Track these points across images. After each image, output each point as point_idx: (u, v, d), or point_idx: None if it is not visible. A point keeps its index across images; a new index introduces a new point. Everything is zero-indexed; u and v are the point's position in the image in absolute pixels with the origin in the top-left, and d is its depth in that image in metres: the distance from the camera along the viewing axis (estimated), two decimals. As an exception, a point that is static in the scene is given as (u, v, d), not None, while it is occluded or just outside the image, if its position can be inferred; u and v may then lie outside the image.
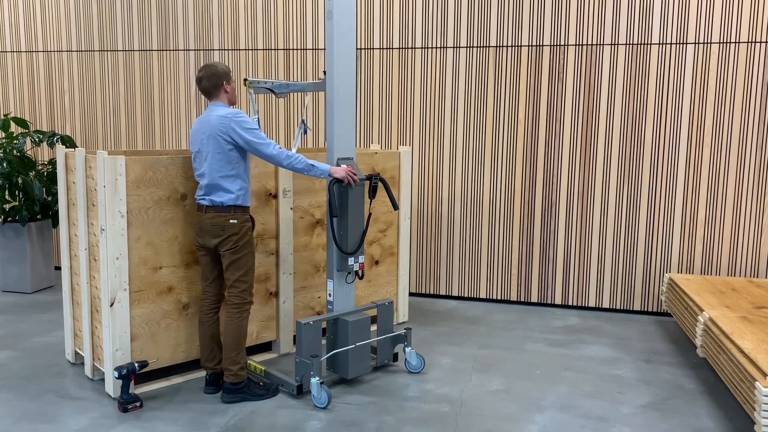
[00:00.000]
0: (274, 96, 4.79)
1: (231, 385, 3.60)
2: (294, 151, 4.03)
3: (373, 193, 3.93)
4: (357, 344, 3.81)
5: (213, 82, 3.57)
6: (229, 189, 3.52)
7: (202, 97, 5.98)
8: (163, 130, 6.13)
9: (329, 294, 3.93)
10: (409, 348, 4.04)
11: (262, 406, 3.56)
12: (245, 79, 4.05)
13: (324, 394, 3.53)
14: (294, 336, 4.40)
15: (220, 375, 3.75)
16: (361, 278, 3.98)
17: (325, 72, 3.88)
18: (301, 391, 3.66)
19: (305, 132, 4.21)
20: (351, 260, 3.88)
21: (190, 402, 3.61)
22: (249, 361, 3.96)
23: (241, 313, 3.61)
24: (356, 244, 3.89)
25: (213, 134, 3.49)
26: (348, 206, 3.81)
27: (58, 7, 6.19)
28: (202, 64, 3.50)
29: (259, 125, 3.83)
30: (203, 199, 3.56)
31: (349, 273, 3.93)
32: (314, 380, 3.56)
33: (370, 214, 4.00)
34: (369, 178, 3.91)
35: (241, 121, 3.50)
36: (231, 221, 3.53)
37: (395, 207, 3.98)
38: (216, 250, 3.60)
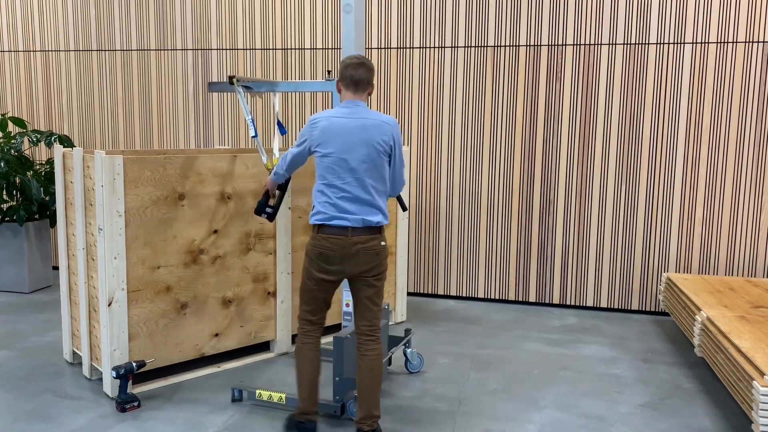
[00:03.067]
0: (252, 95, 4.59)
1: None
2: (276, 154, 3.87)
3: None
4: (390, 352, 3.77)
5: (371, 76, 3.08)
6: (382, 208, 3.06)
7: (201, 96, 5.98)
8: (161, 130, 6.12)
9: (347, 304, 3.83)
10: (410, 349, 4.04)
11: (259, 407, 3.55)
12: (231, 77, 3.84)
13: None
14: (293, 336, 4.40)
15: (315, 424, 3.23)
16: None
17: (329, 71, 3.84)
18: (344, 411, 3.42)
19: (283, 133, 4.01)
20: None
21: (188, 401, 3.61)
22: (261, 391, 3.54)
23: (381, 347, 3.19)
24: None
25: (374, 142, 3.00)
26: None
27: (56, 7, 6.18)
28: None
29: (254, 127, 3.77)
30: (345, 218, 2.99)
31: None
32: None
33: None
34: None
35: (400, 133, 3.10)
36: (383, 243, 3.08)
37: (404, 208, 3.89)
38: (350, 278, 3.09)
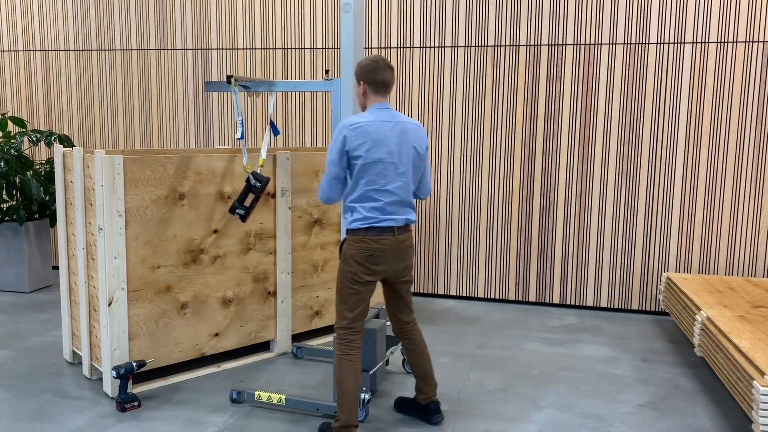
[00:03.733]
0: (250, 95, 4.56)
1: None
2: (263, 155, 3.86)
3: None
4: (389, 352, 3.78)
5: (393, 79, 3.13)
6: (414, 206, 3.15)
7: (201, 96, 5.98)
8: (161, 130, 6.12)
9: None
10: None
11: (259, 408, 3.55)
12: (229, 76, 3.78)
13: (362, 412, 3.39)
14: (293, 336, 4.40)
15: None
16: None
17: (327, 71, 3.84)
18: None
19: (276, 134, 4.01)
20: None
21: (188, 401, 3.61)
22: (260, 392, 3.51)
23: None
24: None
25: (417, 145, 3.07)
26: None
27: (55, 6, 6.18)
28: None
29: (242, 129, 3.74)
30: (391, 219, 3.03)
31: None
32: (362, 396, 3.35)
33: None
34: None
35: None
36: (412, 240, 3.19)
37: None
38: (389, 278, 3.16)
